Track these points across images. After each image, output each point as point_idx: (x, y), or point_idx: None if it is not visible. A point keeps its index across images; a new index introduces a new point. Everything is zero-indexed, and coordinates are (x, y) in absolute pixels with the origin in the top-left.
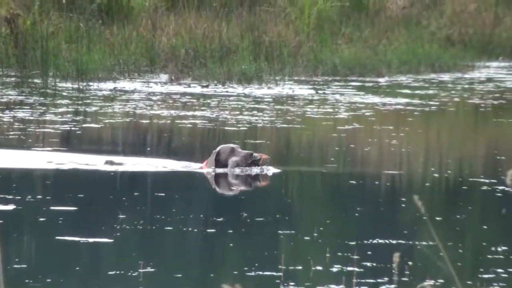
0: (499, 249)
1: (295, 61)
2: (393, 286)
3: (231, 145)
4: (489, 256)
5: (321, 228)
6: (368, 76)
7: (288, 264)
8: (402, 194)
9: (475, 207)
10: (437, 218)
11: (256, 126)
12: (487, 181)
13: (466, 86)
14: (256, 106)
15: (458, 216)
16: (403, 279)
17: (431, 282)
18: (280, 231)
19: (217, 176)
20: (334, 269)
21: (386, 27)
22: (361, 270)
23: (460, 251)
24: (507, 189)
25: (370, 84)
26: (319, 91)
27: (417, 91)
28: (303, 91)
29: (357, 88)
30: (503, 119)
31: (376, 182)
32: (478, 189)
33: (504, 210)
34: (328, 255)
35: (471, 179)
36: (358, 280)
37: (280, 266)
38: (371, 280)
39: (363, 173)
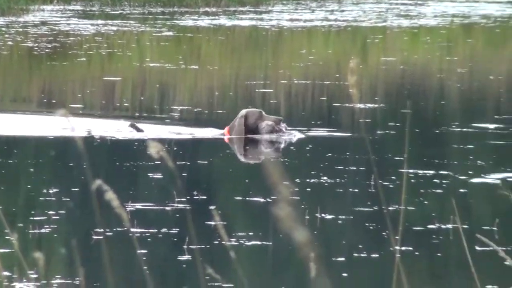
0: (50, 191)
1: None
2: None
3: (257, 109)
4: (41, 199)
5: None
6: None
7: None
8: None
9: (33, 157)
10: None
11: None
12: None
13: (20, 29)
14: None
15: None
16: None
17: None
18: None
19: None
20: None
21: None
22: None
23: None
24: (44, 136)
25: None
26: None
27: None
28: None
29: None
30: (56, 62)
31: None
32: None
33: (53, 152)
34: None
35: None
36: None
37: None
38: None
39: None
